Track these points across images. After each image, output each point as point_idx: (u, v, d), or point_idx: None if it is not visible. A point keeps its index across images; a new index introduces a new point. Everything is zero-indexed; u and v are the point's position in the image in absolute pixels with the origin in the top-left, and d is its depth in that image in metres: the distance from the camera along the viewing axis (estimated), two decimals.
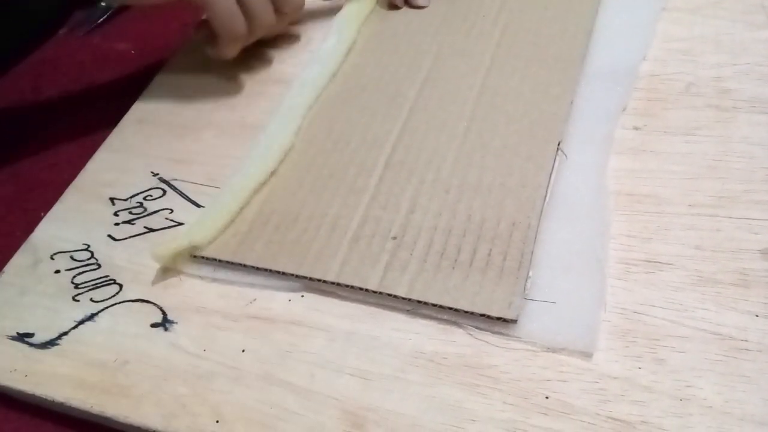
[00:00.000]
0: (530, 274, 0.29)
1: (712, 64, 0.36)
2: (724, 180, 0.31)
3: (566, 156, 0.33)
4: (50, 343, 0.31)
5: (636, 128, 0.34)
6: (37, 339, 0.31)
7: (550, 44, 0.38)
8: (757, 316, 0.26)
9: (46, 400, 0.29)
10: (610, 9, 0.40)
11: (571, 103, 0.35)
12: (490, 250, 0.29)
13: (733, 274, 0.27)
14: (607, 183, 0.31)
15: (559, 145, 0.33)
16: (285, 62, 0.43)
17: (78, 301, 0.32)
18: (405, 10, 0.43)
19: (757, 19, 0.38)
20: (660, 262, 0.28)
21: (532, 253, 0.29)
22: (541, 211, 0.30)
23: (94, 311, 0.32)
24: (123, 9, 0.52)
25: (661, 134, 0.33)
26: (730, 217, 0.29)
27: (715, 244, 0.28)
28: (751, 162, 0.31)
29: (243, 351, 0.29)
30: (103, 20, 0.52)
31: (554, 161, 0.32)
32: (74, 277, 0.33)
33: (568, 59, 0.37)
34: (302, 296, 0.30)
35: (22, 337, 0.31)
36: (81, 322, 0.31)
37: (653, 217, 0.30)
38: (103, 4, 0.51)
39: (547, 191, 0.31)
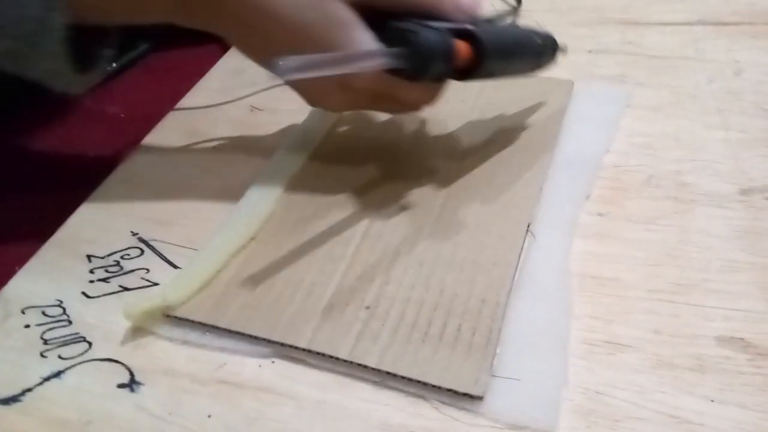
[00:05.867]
0: (497, 351, 0.29)
1: (672, 158, 0.38)
2: (683, 268, 0.32)
3: (535, 237, 0.34)
4: (12, 399, 0.30)
5: (600, 214, 0.35)
6: None
7: (525, 132, 0.41)
8: (712, 401, 0.27)
9: None
10: (580, 103, 0.43)
11: (541, 188, 0.37)
12: (460, 325, 0.30)
13: (689, 359, 0.29)
14: (570, 265, 0.33)
15: (528, 226, 0.35)
16: (271, 132, 0.44)
17: (45, 357, 0.32)
18: None
19: (713, 120, 0.41)
20: (621, 344, 0.29)
21: (500, 330, 0.30)
22: (510, 290, 0.32)
23: (61, 368, 0.31)
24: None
25: (623, 221, 0.35)
26: (688, 304, 0.31)
27: (673, 329, 0.30)
28: (709, 252, 0.33)
29: (209, 416, 0.29)
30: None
31: (524, 242, 0.34)
32: (44, 332, 0.33)
33: (540, 147, 0.40)
34: (273, 362, 0.31)
35: None
36: (47, 379, 0.31)
37: (616, 300, 0.31)
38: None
39: (516, 270, 0.33)
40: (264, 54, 0.35)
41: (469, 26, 0.33)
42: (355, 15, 0.33)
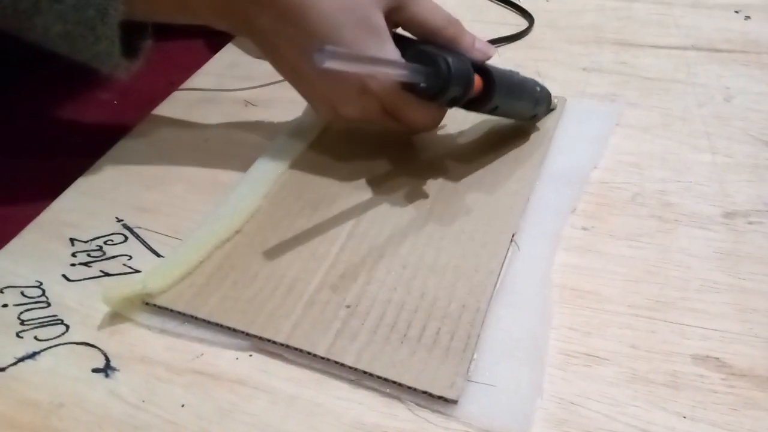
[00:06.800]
0: (474, 356, 0.29)
1: (658, 178, 0.39)
2: (662, 285, 0.33)
3: (519, 247, 0.34)
4: None
5: (584, 229, 0.36)
6: None
7: (515, 144, 0.41)
8: (684, 417, 0.27)
9: None
10: (571, 119, 0.44)
11: (528, 199, 0.37)
12: (439, 329, 0.30)
13: (664, 375, 0.29)
14: (552, 277, 0.33)
15: (513, 236, 0.35)
16: (264, 128, 0.44)
17: (21, 337, 0.31)
18: None
19: (700, 143, 0.42)
20: (598, 357, 0.30)
21: (479, 336, 0.30)
22: (491, 297, 0.32)
23: (37, 350, 0.31)
24: None
25: (606, 236, 0.35)
26: (665, 321, 0.31)
27: (650, 345, 0.30)
28: (688, 272, 0.33)
29: (183, 406, 0.29)
30: None
31: (507, 251, 0.34)
32: (21, 313, 0.33)
33: (530, 159, 0.40)
34: (250, 355, 0.31)
35: None
36: (21, 360, 0.30)
37: (594, 313, 0.31)
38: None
39: (498, 278, 0.33)
40: (293, 51, 0.37)
41: (482, 63, 0.37)
42: (387, 27, 0.36)
